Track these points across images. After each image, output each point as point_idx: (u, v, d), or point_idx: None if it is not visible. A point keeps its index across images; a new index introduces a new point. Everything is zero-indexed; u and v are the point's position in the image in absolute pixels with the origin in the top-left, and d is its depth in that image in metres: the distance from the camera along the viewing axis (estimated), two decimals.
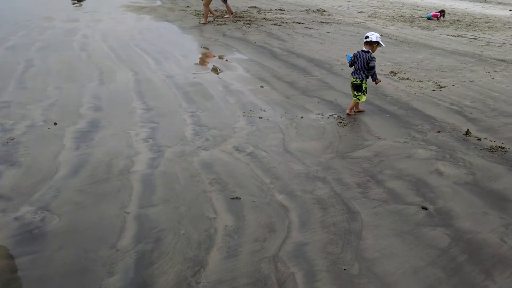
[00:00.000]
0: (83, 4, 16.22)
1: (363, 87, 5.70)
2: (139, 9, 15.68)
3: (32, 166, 3.88)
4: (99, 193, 3.52)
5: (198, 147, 4.50)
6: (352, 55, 5.83)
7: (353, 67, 5.78)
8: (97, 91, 6.15)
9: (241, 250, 2.92)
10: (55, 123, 4.86)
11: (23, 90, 5.97)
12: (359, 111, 5.90)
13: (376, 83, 5.76)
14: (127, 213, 3.27)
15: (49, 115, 5.10)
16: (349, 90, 6.92)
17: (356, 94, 5.73)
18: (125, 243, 2.91)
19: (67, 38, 9.69)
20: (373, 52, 5.66)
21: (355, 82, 5.70)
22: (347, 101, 6.34)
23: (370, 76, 5.68)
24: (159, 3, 17.88)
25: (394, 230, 3.24)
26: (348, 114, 5.79)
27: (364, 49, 5.67)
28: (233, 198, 3.54)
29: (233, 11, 14.82)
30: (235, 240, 3.02)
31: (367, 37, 5.63)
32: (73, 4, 16.14)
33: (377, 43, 5.61)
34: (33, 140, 4.40)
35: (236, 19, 14.27)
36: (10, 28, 10.37)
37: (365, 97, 5.79)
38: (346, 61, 5.83)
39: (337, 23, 14.94)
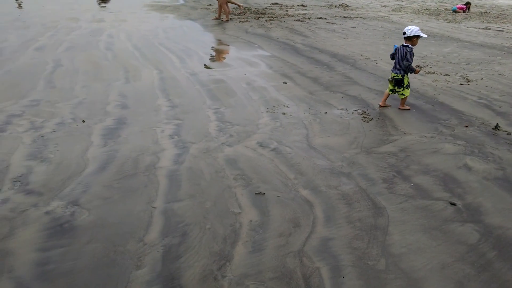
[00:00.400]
0: (108, 4, 16.51)
1: (405, 82, 5.65)
2: (163, 8, 15.86)
3: (61, 162, 3.99)
4: (126, 189, 3.59)
5: (222, 143, 4.53)
6: (396, 46, 5.82)
7: (394, 61, 5.77)
8: (123, 89, 6.26)
9: (266, 244, 2.93)
10: (83, 121, 4.97)
11: (52, 89, 6.13)
12: (404, 109, 5.81)
13: (416, 74, 5.71)
14: (154, 208, 3.32)
15: (77, 113, 5.22)
16: (373, 84, 6.86)
17: (398, 89, 5.70)
18: (152, 237, 2.97)
19: (93, 38, 9.89)
20: (413, 45, 5.62)
21: (396, 77, 5.67)
22: (372, 96, 6.27)
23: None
24: (181, 2, 18.03)
25: (421, 225, 3.19)
26: (381, 106, 5.76)
27: (404, 43, 5.63)
28: (257, 194, 3.56)
29: (230, 11, 14.29)
30: (260, 234, 3.03)
31: (404, 33, 5.59)
32: (98, 4, 16.43)
33: (417, 36, 5.55)
34: (62, 137, 4.52)
35: (258, 15, 14.27)
36: (38, 29, 10.65)
37: (408, 91, 5.74)
38: (392, 50, 5.88)
39: (360, 17, 14.75)
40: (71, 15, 13.19)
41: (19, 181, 3.62)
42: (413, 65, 5.57)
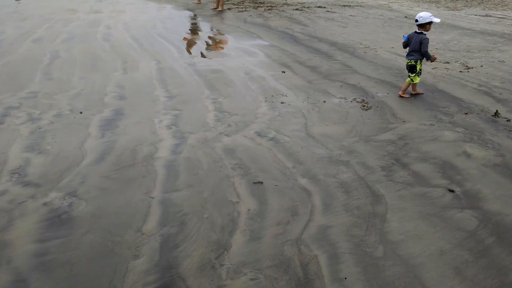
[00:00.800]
0: None
1: (418, 68, 5.67)
2: None
3: (59, 154, 3.98)
4: (124, 179, 3.58)
5: (220, 133, 4.52)
6: (407, 36, 5.79)
7: (407, 48, 5.76)
8: (121, 80, 6.24)
9: (264, 233, 2.93)
10: (81, 112, 4.96)
11: (50, 81, 6.10)
12: (417, 93, 5.83)
13: (432, 61, 5.71)
14: (152, 198, 3.32)
15: (75, 105, 5.20)
16: (372, 73, 6.82)
17: (411, 75, 5.69)
18: (150, 227, 2.97)
19: (90, 29, 9.83)
20: (427, 31, 5.62)
21: (409, 63, 5.69)
22: (371, 84, 6.24)
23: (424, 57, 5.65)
24: None
25: (419, 212, 3.19)
26: (400, 96, 5.75)
27: (417, 30, 5.61)
28: (255, 183, 3.55)
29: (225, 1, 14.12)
30: (258, 223, 3.03)
31: (416, 20, 5.60)
32: None
33: (429, 23, 5.55)
34: (60, 129, 4.51)
35: (257, 5, 14.15)
36: (35, 21, 10.58)
37: (419, 78, 5.75)
38: (401, 41, 5.92)
39: (360, 6, 14.63)
40: (68, 7, 13.10)
41: (17, 173, 3.62)
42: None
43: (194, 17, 12.13)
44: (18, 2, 14.04)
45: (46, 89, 5.72)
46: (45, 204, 3.20)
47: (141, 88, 5.91)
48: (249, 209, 3.19)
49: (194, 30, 10.30)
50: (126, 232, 2.92)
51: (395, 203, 3.30)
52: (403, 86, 5.83)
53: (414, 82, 5.73)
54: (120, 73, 6.56)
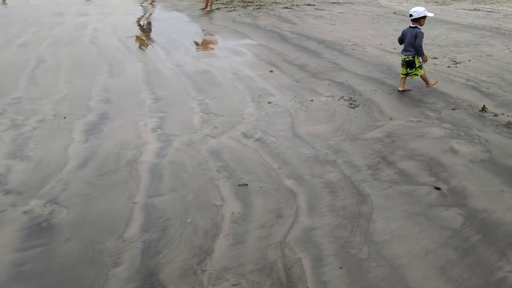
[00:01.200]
0: None
1: (417, 62, 5.62)
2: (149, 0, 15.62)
3: (41, 160, 3.91)
4: (107, 185, 3.53)
5: (206, 135, 4.47)
6: (402, 32, 5.77)
7: (403, 45, 5.73)
8: (106, 83, 6.16)
9: (248, 236, 2.89)
10: (65, 117, 4.89)
11: (34, 86, 6.02)
12: (433, 84, 5.81)
13: (423, 60, 5.63)
14: (135, 203, 3.26)
15: (59, 109, 5.13)
16: (360, 70, 6.79)
17: (410, 71, 5.65)
18: (132, 233, 2.92)
19: (77, 32, 9.72)
20: (421, 25, 5.59)
21: (406, 59, 5.64)
22: (359, 82, 6.21)
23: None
24: None
25: (405, 211, 3.16)
26: (400, 91, 5.78)
27: (412, 25, 5.58)
28: (240, 185, 3.51)
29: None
30: (242, 226, 2.99)
31: (411, 15, 5.57)
32: None
33: (424, 17, 5.53)
34: (43, 135, 4.44)
35: (246, 4, 14.10)
36: (21, 25, 10.46)
37: (422, 71, 5.70)
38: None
39: (349, 2, 14.62)
40: (55, 10, 12.97)
41: None
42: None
43: (182, 18, 12.05)
44: (5, 5, 13.89)
45: (30, 94, 5.64)
46: (25, 212, 3.14)
47: (127, 91, 5.84)
48: (233, 212, 3.15)
49: (181, 30, 10.22)
50: (108, 239, 2.87)
51: (380, 203, 3.27)
52: (401, 81, 5.81)
53: (420, 75, 5.67)
54: (106, 76, 6.49)
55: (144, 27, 10.48)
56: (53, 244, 2.81)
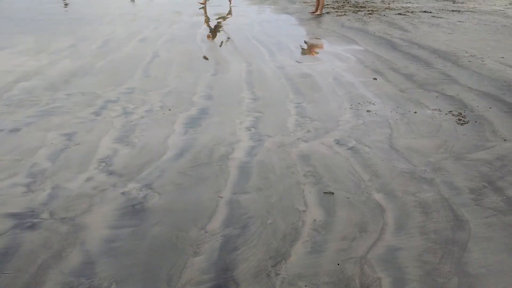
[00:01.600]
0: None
1: None
2: (262, 2, 16.07)
3: (144, 147, 4.22)
4: (198, 176, 3.68)
5: (298, 138, 4.44)
6: None
7: None
8: (211, 80, 6.45)
9: (327, 246, 2.80)
10: (169, 109, 5.22)
11: (147, 78, 6.53)
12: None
13: None
14: (221, 197, 3.36)
15: (165, 102, 5.49)
16: (475, 84, 6.22)
17: None
18: (214, 226, 3.00)
19: (191, 31, 10.35)
20: None
21: None
22: (472, 97, 5.69)
23: None
24: None
25: (508, 245, 2.81)
26: None
27: None
28: (326, 193, 3.42)
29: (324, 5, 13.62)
30: (322, 235, 2.91)
31: None
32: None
33: None
34: (148, 124, 4.78)
35: (357, 9, 13.77)
36: (144, 22, 11.43)
37: None
38: None
39: (471, 11, 13.49)
40: (175, 9, 13.95)
41: (104, 162, 3.91)
42: None
43: (291, 21, 12.16)
44: (133, 3, 15.33)
45: (142, 86, 6.12)
46: (123, 193, 3.40)
47: (229, 89, 6.05)
48: (315, 220, 3.08)
49: (288, 33, 10.31)
50: (191, 228, 2.99)
51: (480, 231, 2.94)
52: None
53: None
54: (211, 74, 6.79)
55: (254, 29, 10.76)
56: (144, 226, 3.01)
